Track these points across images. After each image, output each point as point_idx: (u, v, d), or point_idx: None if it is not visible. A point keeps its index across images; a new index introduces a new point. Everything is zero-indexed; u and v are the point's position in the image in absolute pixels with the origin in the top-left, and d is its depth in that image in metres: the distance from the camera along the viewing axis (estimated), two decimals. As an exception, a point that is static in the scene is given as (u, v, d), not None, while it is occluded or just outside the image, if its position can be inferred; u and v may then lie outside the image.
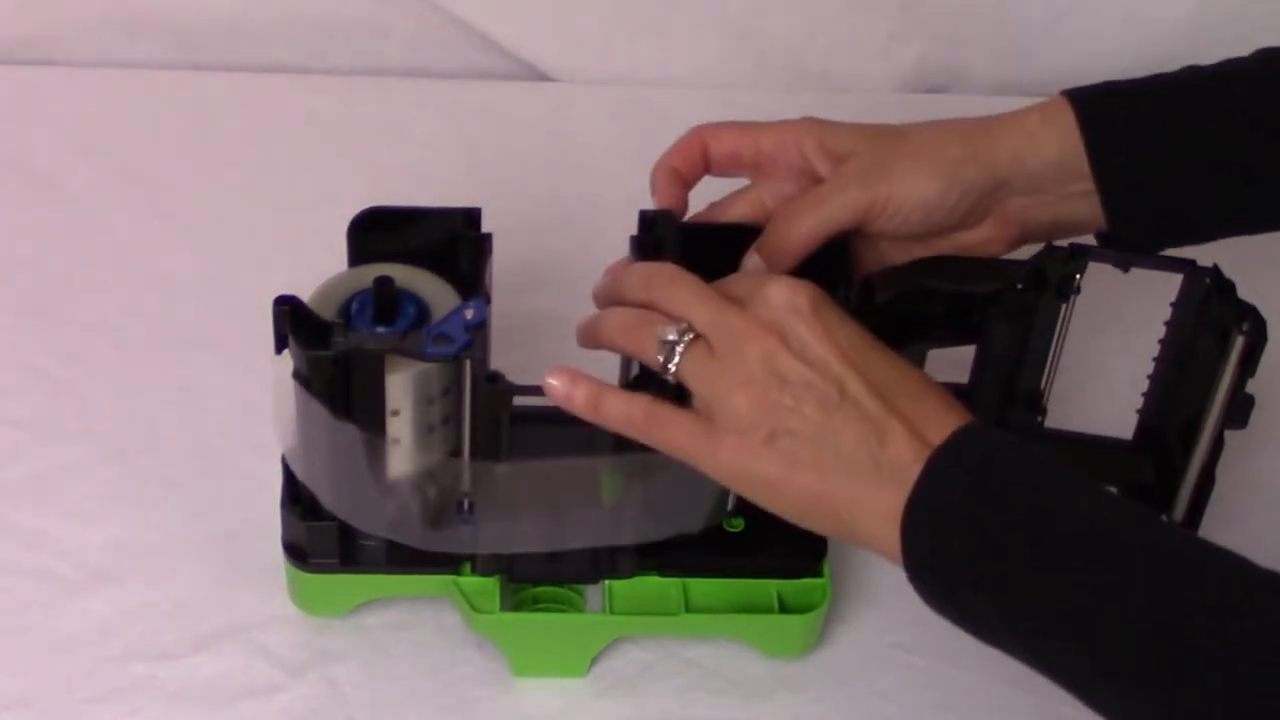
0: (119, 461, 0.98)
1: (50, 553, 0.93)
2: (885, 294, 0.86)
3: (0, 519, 0.95)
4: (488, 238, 0.87)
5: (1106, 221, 0.86)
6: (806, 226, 0.85)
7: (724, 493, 0.86)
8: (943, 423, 0.74)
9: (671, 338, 0.77)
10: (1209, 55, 0.90)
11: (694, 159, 0.89)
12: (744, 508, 0.92)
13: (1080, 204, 0.87)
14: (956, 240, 0.88)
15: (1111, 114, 0.85)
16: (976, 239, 0.88)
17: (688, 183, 0.89)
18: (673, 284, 0.79)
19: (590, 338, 0.81)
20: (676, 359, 0.77)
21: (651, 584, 0.90)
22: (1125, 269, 0.87)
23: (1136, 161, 0.85)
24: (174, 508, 0.96)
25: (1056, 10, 1.24)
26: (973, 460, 0.73)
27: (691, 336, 0.77)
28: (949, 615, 0.75)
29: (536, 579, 0.90)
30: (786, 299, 0.76)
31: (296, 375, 0.82)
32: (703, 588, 0.90)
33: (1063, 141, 0.85)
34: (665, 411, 0.78)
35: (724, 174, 0.90)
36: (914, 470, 0.73)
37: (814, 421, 0.75)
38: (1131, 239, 0.87)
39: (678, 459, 0.78)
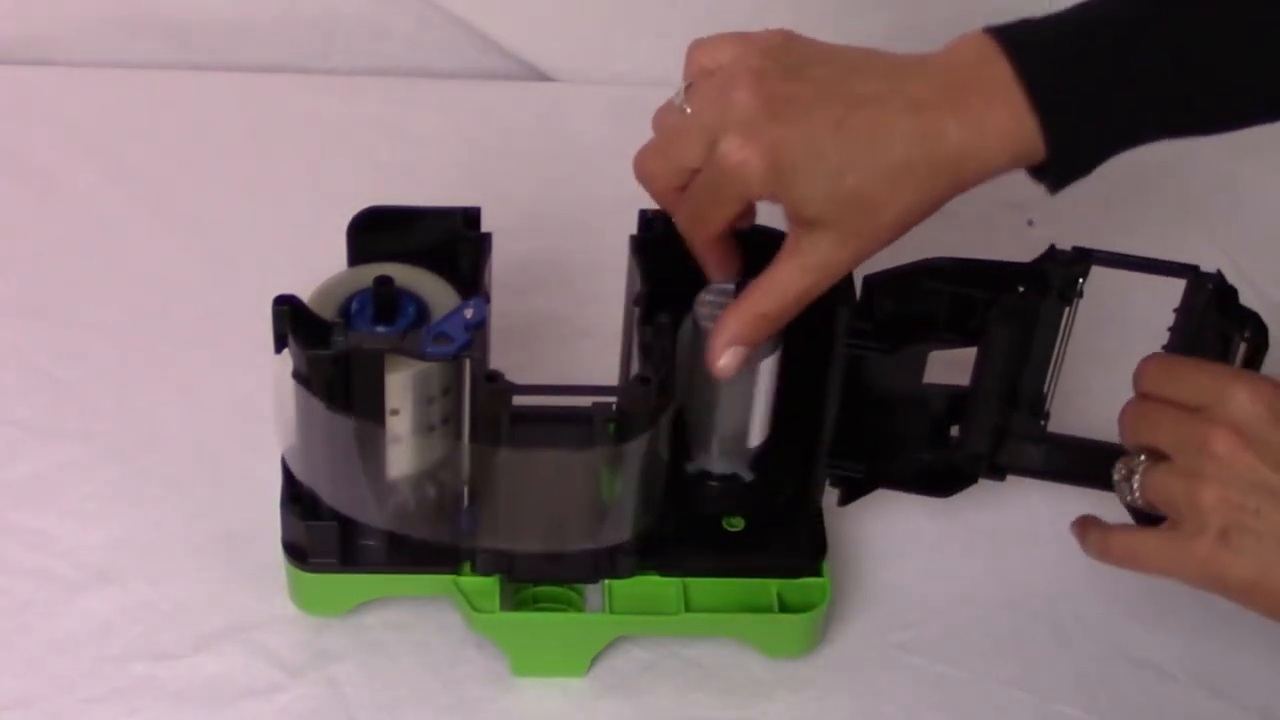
0: (119, 461, 0.98)
1: (50, 553, 0.93)
2: (885, 296, 0.86)
3: (0, 519, 0.95)
4: (487, 237, 0.87)
5: (1045, 165, 0.81)
6: (799, 307, 0.82)
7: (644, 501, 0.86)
8: None
9: (1127, 483, 0.79)
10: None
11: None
12: (743, 506, 0.92)
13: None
14: None
15: (1079, 116, 0.80)
16: None
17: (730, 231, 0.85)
18: (1139, 403, 0.80)
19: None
20: (1136, 483, 0.79)
21: (651, 584, 0.90)
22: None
23: (1091, 144, 0.81)
24: (174, 508, 0.96)
25: (1055, 10, 1.24)
26: None
27: (1145, 462, 0.78)
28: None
29: (536, 579, 0.90)
30: (1248, 405, 0.76)
31: (296, 375, 0.82)
32: (703, 587, 0.90)
33: (1024, 158, 0.80)
34: (1128, 534, 0.79)
35: None
36: None
37: (1275, 519, 0.75)
38: (1066, 177, 0.82)
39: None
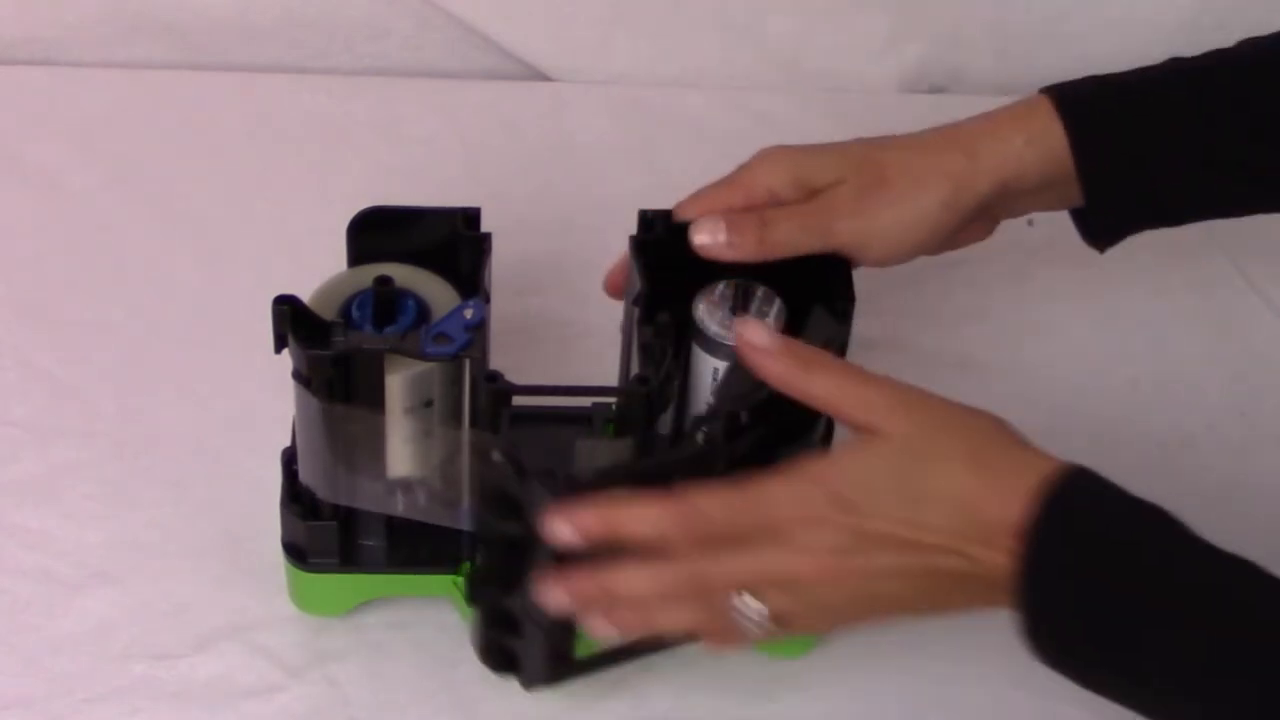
0: (119, 461, 0.98)
1: (50, 553, 0.93)
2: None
3: (0, 519, 0.95)
4: (487, 237, 0.87)
5: (1085, 208, 0.88)
6: (795, 240, 0.85)
7: None
8: (1009, 525, 0.73)
9: (754, 627, 0.77)
10: (1208, 55, 0.91)
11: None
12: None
13: (1059, 198, 0.88)
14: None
15: (1097, 115, 0.86)
16: (956, 244, 0.90)
17: None
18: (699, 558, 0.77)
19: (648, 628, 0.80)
20: (765, 621, 0.76)
21: (651, 584, 0.89)
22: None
23: (1118, 154, 0.86)
24: (174, 508, 0.96)
25: (1056, 10, 1.24)
26: (1053, 554, 0.73)
27: (760, 603, 0.76)
28: (1068, 673, 0.76)
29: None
30: (804, 517, 0.75)
31: (296, 375, 0.82)
32: (703, 587, 0.90)
33: (1047, 155, 0.86)
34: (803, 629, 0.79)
35: None
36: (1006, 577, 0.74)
37: (908, 593, 0.76)
38: (1108, 225, 0.89)
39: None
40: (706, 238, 0.85)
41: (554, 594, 0.77)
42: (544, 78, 1.25)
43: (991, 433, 0.76)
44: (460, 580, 0.88)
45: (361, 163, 1.16)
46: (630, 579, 0.76)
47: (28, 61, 1.21)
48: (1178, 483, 1.01)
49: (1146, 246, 1.14)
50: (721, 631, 0.77)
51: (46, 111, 1.18)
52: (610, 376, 0.94)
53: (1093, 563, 0.72)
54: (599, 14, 1.24)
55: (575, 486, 0.76)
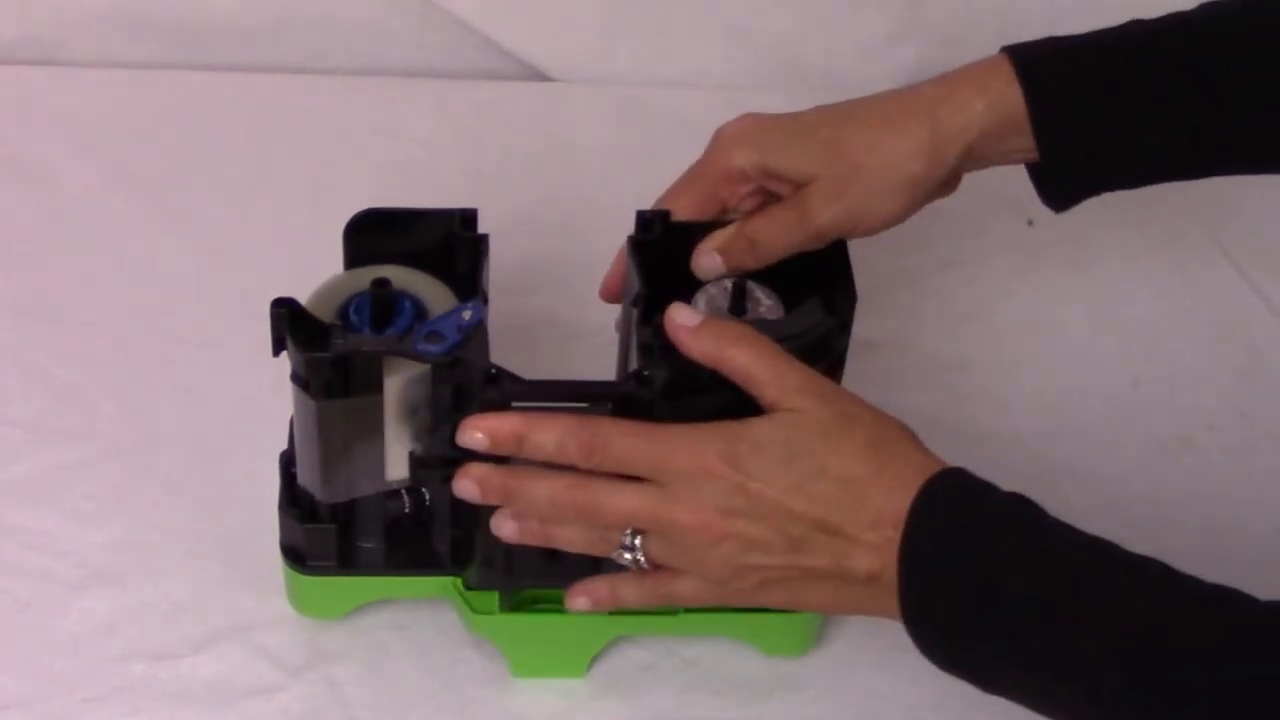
0: (119, 461, 0.98)
1: (50, 553, 0.93)
2: None
3: (0, 519, 0.95)
4: (484, 238, 0.87)
5: (1041, 169, 0.89)
6: (784, 246, 0.87)
7: None
8: (890, 516, 0.76)
9: (627, 556, 0.81)
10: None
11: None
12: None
13: (1021, 154, 0.90)
14: None
15: (1055, 78, 0.87)
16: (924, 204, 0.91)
17: None
18: (587, 489, 0.80)
19: (544, 540, 0.83)
20: (640, 557, 0.80)
21: (650, 584, 0.89)
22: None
23: (1075, 118, 0.87)
24: (174, 508, 0.96)
25: (1056, 10, 1.24)
26: (934, 542, 0.75)
27: (640, 540, 0.80)
28: (957, 671, 0.77)
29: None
30: (696, 467, 0.77)
31: (294, 377, 0.82)
32: (702, 587, 0.90)
33: (1006, 118, 0.87)
34: (668, 581, 0.81)
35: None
36: (889, 574, 0.76)
37: (783, 565, 0.78)
38: (1065, 185, 0.90)
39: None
40: (706, 263, 0.87)
41: (463, 481, 0.81)
42: (544, 78, 1.25)
43: (893, 433, 0.79)
44: (459, 583, 0.88)
45: (361, 163, 1.16)
46: (529, 483, 0.80)
47: (28, 61, 1.21)
48: (1178, 483, 1.02)
49: (1146, 246, 1.14)
50: (605, 552, 0.81)
51: (46, 111, 1.18)
52: (609, 376, 0.94)
53: (965, 548, 0.75)
54: (599, 14, 1.24)
55: (513, 384, 0.80)
